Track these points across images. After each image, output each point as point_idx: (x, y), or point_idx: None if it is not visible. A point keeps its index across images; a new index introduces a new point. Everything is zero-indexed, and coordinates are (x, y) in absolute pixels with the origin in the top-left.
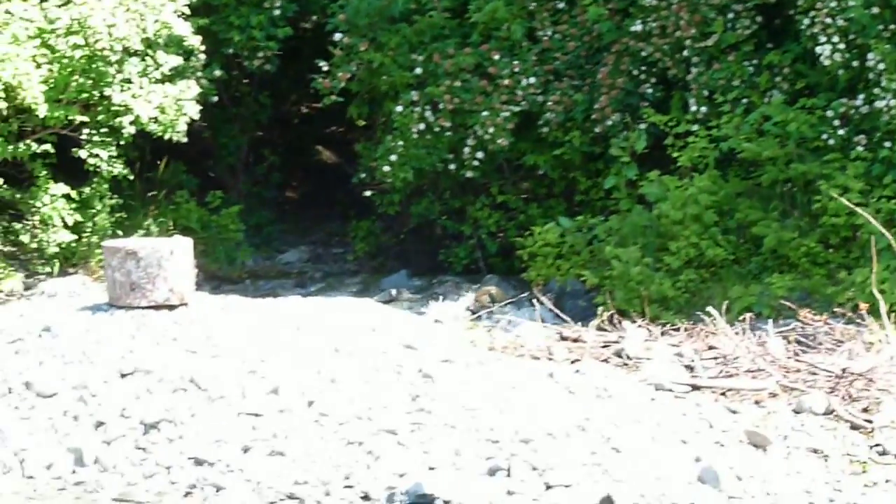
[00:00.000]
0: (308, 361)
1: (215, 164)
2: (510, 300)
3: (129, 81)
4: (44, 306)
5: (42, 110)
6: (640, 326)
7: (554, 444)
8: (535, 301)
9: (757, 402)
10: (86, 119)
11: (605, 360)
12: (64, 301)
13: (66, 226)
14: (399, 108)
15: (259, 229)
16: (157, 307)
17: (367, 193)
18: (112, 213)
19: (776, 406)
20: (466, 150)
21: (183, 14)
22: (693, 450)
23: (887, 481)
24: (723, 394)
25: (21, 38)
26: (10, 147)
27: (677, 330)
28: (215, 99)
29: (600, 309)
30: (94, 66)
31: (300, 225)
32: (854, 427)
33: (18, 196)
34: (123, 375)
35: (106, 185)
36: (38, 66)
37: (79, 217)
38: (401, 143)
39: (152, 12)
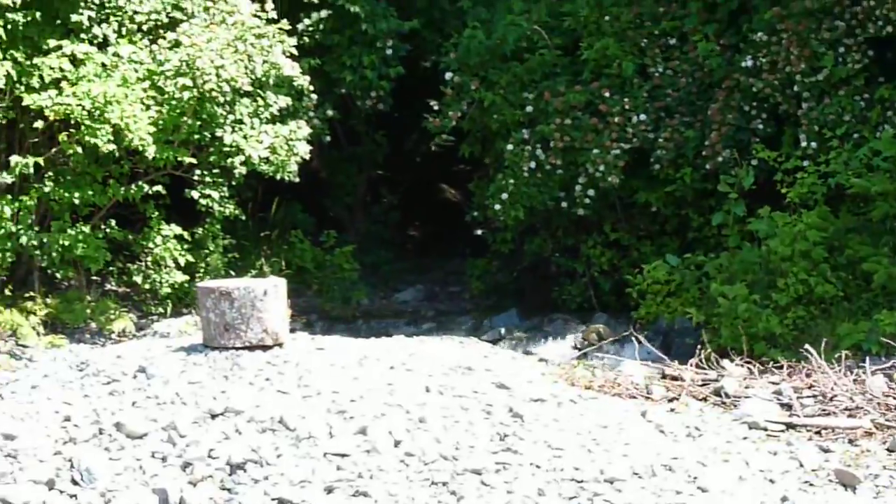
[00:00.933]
0: (398, 401)
1: (332, 203)
2: (617, 338)
3: (240, 122)
4: (142, 347)
5: (150, 151)
6: (740, 364)
7: (638, 484)
8: (641, 339)
9: (851, 441)
10: (194, 160)
11: (704, 399)
12: (163, 342)
13: (178, 266)
14: (510, 147)
15: (376, 268)
16: (251, 348)
17: (479, 232)
18: (225, 253)
19: (870, 445)
20: (578, 187)
21: (292, 55)
22: (780, 489)
23: None
24: (817, 432)
25: (130, 80)
26: (123, 189)
27: (780, 368)
28: (328, 139)
29: (699, 347)
30: (204, 107)
31: (418, 263)
32: None
33: (132, 237)
34: (214, 416)
35: (218, 226)
36: (147, 107)
37: (191, 258)
38: (512, 181)
39: (261, 53)
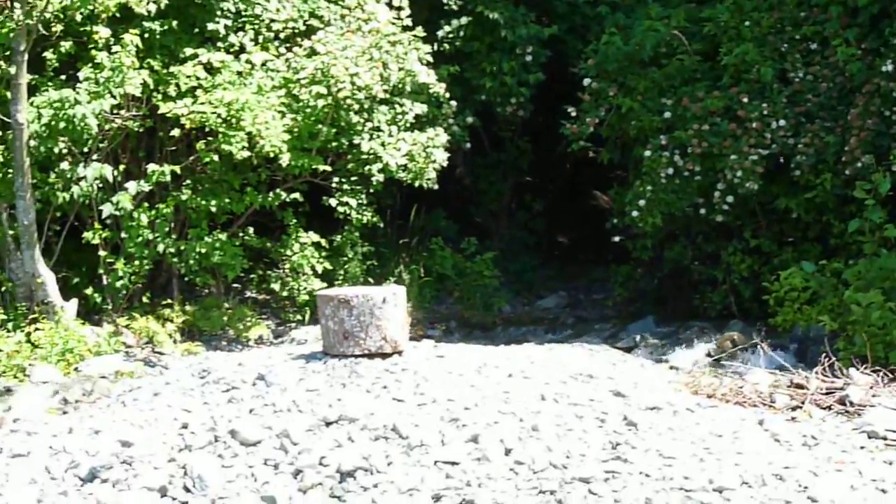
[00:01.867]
0: (513, 409)
1: (477, 210)
2: (747, 346)
3: (378, 130)
4: (263, 355)
5: (285, 159)
6: (866, 373)
7: (747, 493)
8: (776, 347)
9: None
10: (328, 168)
11: (828, 407)
12: (284, 350)
13: (316, 274)
14: (647, 153)
15: (520, 275)
16: (371, 355)
17: (616, 239)
18: (363, 260)
19: None
20: (716, 193)
21: (429, 62)
22: (892, 499)
23: None
24: None
25: (265, 87)
26: (260, 196)
27: None
28: (468, 145)
29: (825, 355)
30: (340, 115)
31: (563, 270)
32: None
33: (270, 245)
34: (328, 424)
35: (357, 233)
36: (282, 115)
37: (328, 265)
38: (649, 187)
39: (396, 61)
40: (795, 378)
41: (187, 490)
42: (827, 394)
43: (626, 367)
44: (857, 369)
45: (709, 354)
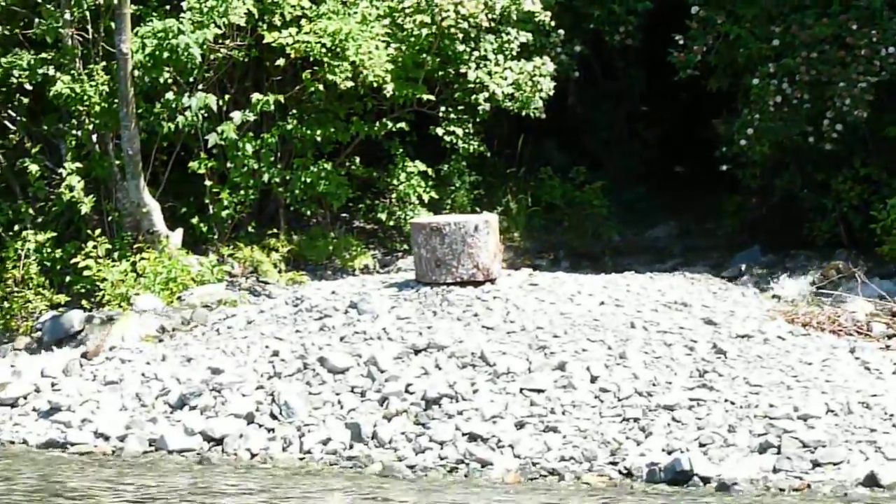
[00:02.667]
0: (602, 337)
1: (589, 139)
2: (848, 274)
3: (484, 59)
4: (357, 283)
5: (389, 89)
6: None
7: (832, 421)
8: (882, 277)
9: None
10: (432, 98)
11: None
12: (379, 278)
13: (422, 203)
14: (755, 81)
15: (631, 204)
16: (463, 283)
17: (724, 168)
18: (470, 190)
19: None
20: (825, 122)
21: None
22: None
23: None
24: None
25: (369, 17)
26: (366, 126)
27: None
28: (576, 74)
29: None
30: (444, 44)
31: (676, 200)
32: None
33: (376, 174)
34: (417, 351)
35: (464, 163)
36: (386, 45)
37: (435, 194)
38: (757, 116)
39: None
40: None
41: (274, 417)
42: None
43: (725, 295)
44: None
45: (813, 283)
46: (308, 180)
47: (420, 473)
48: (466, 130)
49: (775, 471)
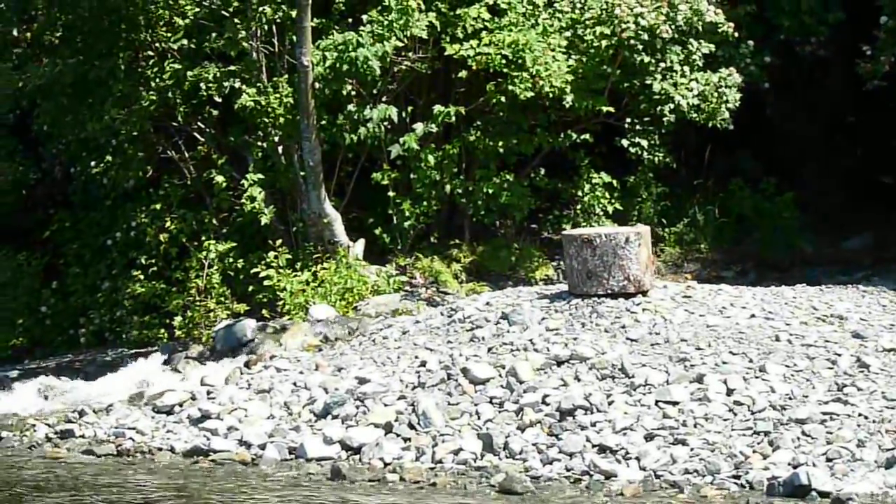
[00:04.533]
0: (744, 350)
1: (784, 150)
2: None
3: (670, 70)
4: (513, 293)
5: (568, 100)
6: None
7: None
8: None
9: None
10: (611, 109)
11: None
12: (535, 289)
13: (607, 214)
14: None
15: (827, 215)
16: (614, 295)
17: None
18: (657, 201)
19: None
20: None
21: (719, 1)
22: None
23: None
24: None
25: (550, 29)
26: (550, 137)
27: None
28: (766, 85)
29: None
30: (626, 55)
31: (877, 211)
32: None
33: (561, 186)
34: (560, 363)
35: (650, 174)
36: (568, 56)
37: (619, 206)
38: None
39: (684, 1)
40: None
41: (412, 427)
42: None
43: (889, 309)
44: None
45: None
46: (490, 191)
47: (543, 485)
48: (652, 142)
49: None
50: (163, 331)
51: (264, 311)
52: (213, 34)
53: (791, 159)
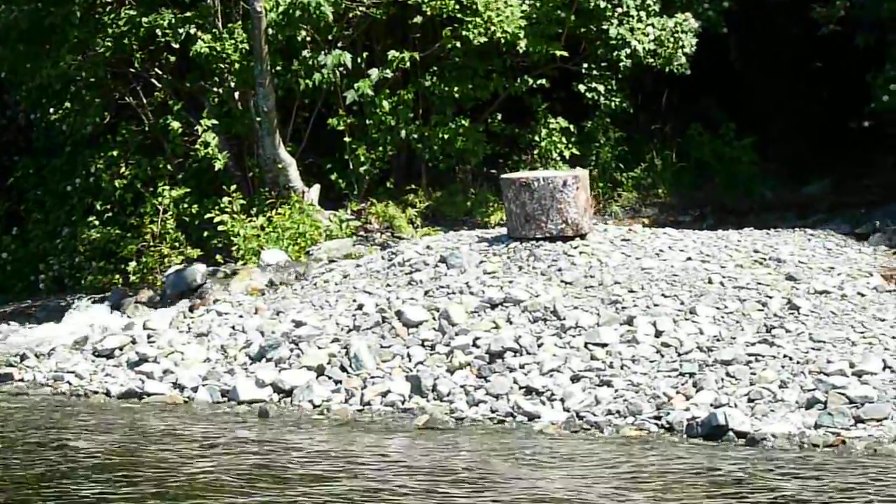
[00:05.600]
0: (677, 292)
1: (747, 95)
2: None
3: (627, 15)
4: (453, 237)
5: (522, 45)
6: None
7: (888, 377)
8: None
9: None
10: (566, 53)
11: None
12: (476, 233)
13: (564, 159)
14: None
15: (790, 160)
16: (552, 238)
17: (865, 124)
18: (615, 146)
19: None
20: None
21: None
22: None
23: None
24: None
25: None
26: (506, 83)
27: None
28: (724, 30)
29: None
30: (582, 0)
31: (838, 157)
32: None
33: (517, 131)
34: (493, 306)
35: (607, 119)
36: (522, 1)
37: (576, 151)
38: None
39: None
40: None
41: (343, 370)
42: None
43: (839, 251)
44: None
45: None
46: (446, 137)
47: (464, 425)
48: (609, 87)
49: (816, 426)
50: (118, 276)
51: (218, 257)
52: None
53: (755, 105)
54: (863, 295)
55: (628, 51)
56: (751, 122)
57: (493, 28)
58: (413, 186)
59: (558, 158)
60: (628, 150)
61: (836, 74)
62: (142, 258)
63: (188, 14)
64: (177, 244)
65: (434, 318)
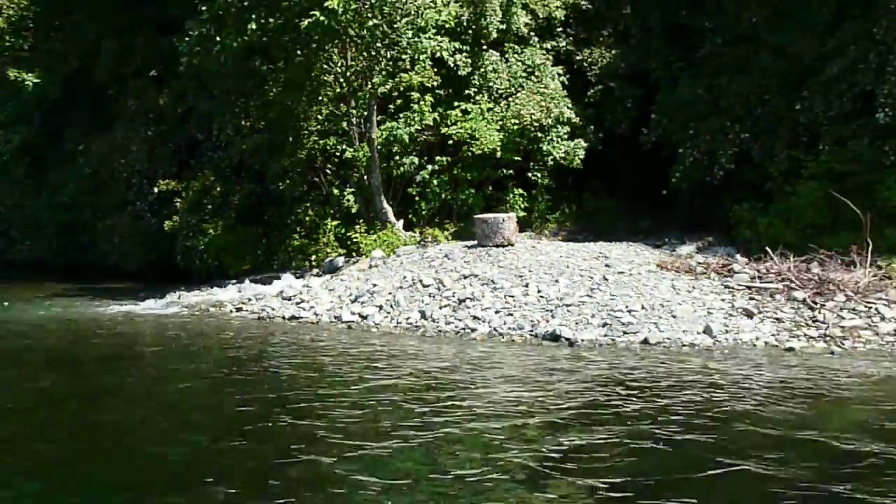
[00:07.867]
0: (550, 272)
1: (613, 178)
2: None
3: (551, 140)
4: (453, 245)
5: (498, 153)
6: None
7: (643, 314)
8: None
9: (772, 295)
10: (518, 158)
11: (721, 274)
12: (463, 243)
13: (520, 209)
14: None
15: (633, 209)
16: (497, 246)
17: (665, 192)
18: (546, 203)
19: (778, 297)
20: (715, 168)
21: (571, 107)
22: (710, 316)
23: (809, 336)
24: (757, 291)
25: (490, 120)
26: (491, 173)
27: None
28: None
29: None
30: (529, 132)
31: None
32: (811, 308)
33: (499, 195)
34: (465, 277)
35: (543, 190)
36: (499, 131)
37: (526, 205)
38: (683, 166)
39: (556, 107)
40: (721, 260)
41: (391, 307)
42: (723, 266)
43: (641, 252)
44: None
45: (697, 248)
46: (463, 198)
47: (438, 334)
48: (543, 174)
49: (605, 336)
50: (306, 262)
51: (353, 253)
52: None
53: (615, 182)
54: (641, 275)
55: (553, 157)
56: (614, 190)
57: (484, 145)
58: (447, 221)
59: (518, 209)
60: (553, 204)
61: (654, 168)
62: (318, 254)
63: (343, 138)
64: (335, 245)
65: (436, 283)
